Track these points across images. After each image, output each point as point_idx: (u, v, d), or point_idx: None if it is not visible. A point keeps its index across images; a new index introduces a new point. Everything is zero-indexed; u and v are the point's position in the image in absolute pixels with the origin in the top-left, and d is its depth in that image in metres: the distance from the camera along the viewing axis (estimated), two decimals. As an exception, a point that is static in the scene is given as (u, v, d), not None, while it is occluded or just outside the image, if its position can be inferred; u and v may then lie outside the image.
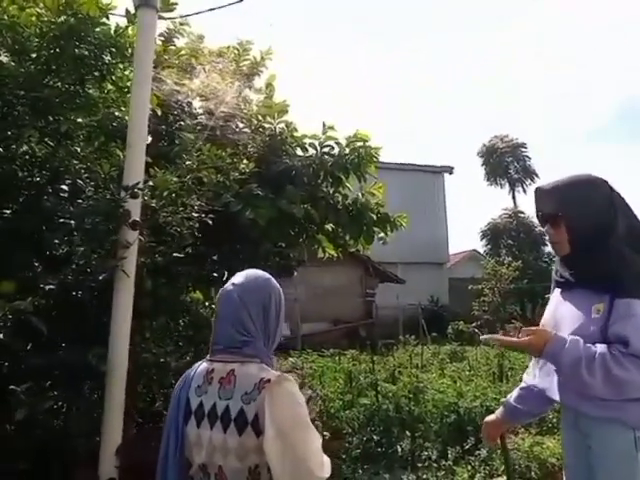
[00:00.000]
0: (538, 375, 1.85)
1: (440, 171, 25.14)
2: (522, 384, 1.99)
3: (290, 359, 9.32)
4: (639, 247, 1.68)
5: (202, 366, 1.44)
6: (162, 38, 5.21)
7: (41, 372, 2.29)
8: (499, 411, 2.04)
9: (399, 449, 4.73)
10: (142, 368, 2.64)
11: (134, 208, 2.65)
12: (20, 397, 2.10)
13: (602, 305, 1.61)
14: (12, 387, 2.08)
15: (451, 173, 25.38)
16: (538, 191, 1.85)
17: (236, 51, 5.59)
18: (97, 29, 2.89)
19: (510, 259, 19.56)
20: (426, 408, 5.13)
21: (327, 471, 1.33)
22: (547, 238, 1.83)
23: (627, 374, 1.50)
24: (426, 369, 8.39)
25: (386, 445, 4.84)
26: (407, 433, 4.92)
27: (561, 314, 1.76)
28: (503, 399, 2.10)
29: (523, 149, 27.97)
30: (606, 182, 1.77)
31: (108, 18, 2.94)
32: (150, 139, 4.61)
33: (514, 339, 1.70)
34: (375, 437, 4.95)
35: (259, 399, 1.29)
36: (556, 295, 1.86)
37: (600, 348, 1.55)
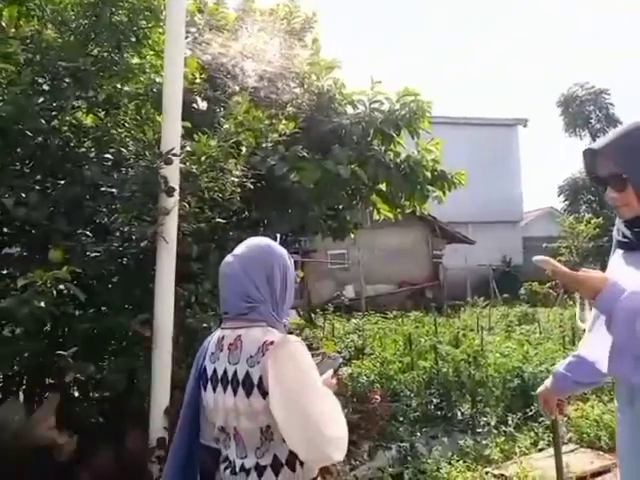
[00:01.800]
0: (592, 343, 1.66)
1: (514, 124, 23.70)
2: (575, 352, 1.82)
3: (353, 320, 9.39)
4: None
5: (216, 334, 1.47)
6: (214, 0, 5.15)
7: (88, 337, 2.38)
8: (548, 380, 1.87)
9: (459, 413, 4.62)
10: (187, 332, 2.69)
11: (172, 174, 2.65)
12: (68, 361, 2.20)
13: None
14: (59, 352, 2.17)
15: (525, 126, 23.89)
16: (589, 152, 1.59)
17: (287, 9, 5.42)
18: (130, -7, 2.84)
19: (590, 216, 18.27)
20: (487, 372, 4.95)
21: (341, 432, 1.33)
22: (609, 201, 1.58)
23: None
24: (493, 332, 8.11)
25: (445, 409, 4.74)
26: (467, 397, 4.79)
27: (622, 278, 1.54)
28: (555, 365, 1.92)
29: (606, 96, 25.62)
30: None
31: (140, -19, 2.88)
32: (206, 105, 4.64)
33: (568, 270, 1.49)
34: (434, 400, 4.86)
35: (262, 361, 1.31)
36: (617, 256, 1.65)
37: None
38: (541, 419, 4.25)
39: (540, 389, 1.91)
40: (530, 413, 4.44)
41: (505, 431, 4.20)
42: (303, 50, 4.97)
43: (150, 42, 3.09)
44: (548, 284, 14.43)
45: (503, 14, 47.55)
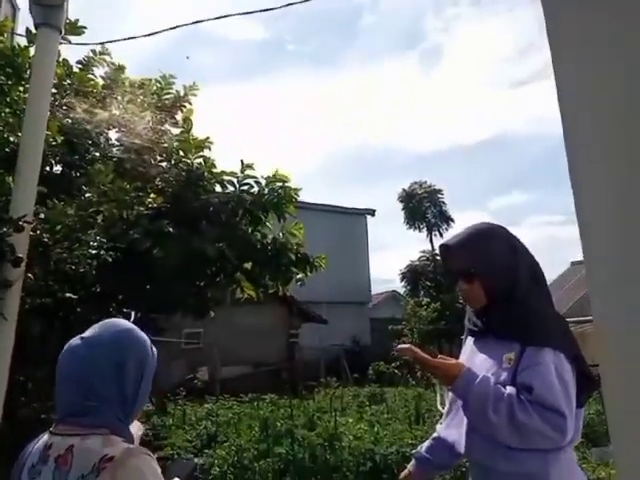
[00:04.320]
0: (449, 426, 1.78)
1: (362, 213, 25.81)
2: (434, 434, 1.92)
3: (206, 405, 8.87)
4: (541, 290, 1.70)
5: (42, 439, 1.19)
6: (80, 66, 4.98)
7: None
8: (411, 464, 1.94)
9: (315, 501, 4.51)
10: (19, 425, 2.30)
11: (20, 243, 2.37)
12: None
13: (513, 354, 1.59)
14: None
15: (373, 215, 26.15)
16: (444, 248, 1.81)
17: (158, 84, 5.44)
18: (-10, 46, 2.65)
19: (429, 300, 20.15)
20: (342, 456, 4.97)
21: None
22: (460, 293, 1.80)
23: (529, 420, 1.47)
24: (345, 413, 8.24)
25: (301, 498, 4.61)
26: (323, 483, 4.72)
27: (474, 363, 1.72)
28: (414, 450, 2.00)
29: (440, 195, 29.52)
30: (505, 229, 1.78)
31: (3, 35, 2.71)
32: (60, 169, 4.32)
33: (428, 357, 1.65)
34: (290, 489, 4.71)
35: None
36: (469, 343, 1.83)
37: (509, 389, 1.53)
38: (393, 502, 4.33)
39: (403, 474, 1.96)
40: (383, 496, 4.51)
41: (360, 517, 4.19)
42: (173, 126, 4.98)
43: (8, 99, 2.86)
44: (393, 364, 15.29)
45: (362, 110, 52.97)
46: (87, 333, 1.23)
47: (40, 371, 2.60)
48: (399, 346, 1.73)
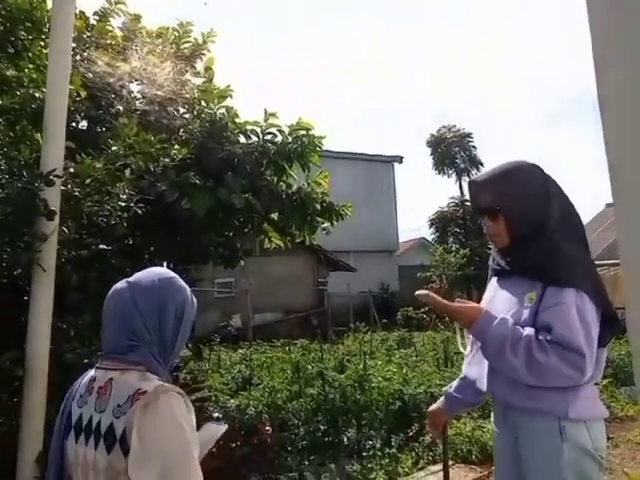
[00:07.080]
0: (470, 364, 1.83)
1: (390, 161, 25.38)
2: (462, 374, 1.98)
3: (240, 350, 9.24)
4: (573, 233, 1.67)
5: (89, 374, 1.29)
6: (96, 17, 4.92)
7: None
8: (440, 401, 2.02)
9: (345, 439, 4.72)
10: (64, 369, 2.45)
11: (53, 197, 2.45)
12: None
13: (535, 294, 1.59)
14: None
15: (401, 162, 25.69)
16: (473, 184, 1.78)
17: (176, 33, 5.34)
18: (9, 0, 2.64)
19: (457, 247, 20.04)
20: (372, 396, 5.15)
21: None
22: (484, 230, 1.78)
23: (547, 360, 1.48)
24: (374, 356, 8.46)
25: (332, 435, 4.82)
26: (353, 422, 4.92)
27: (497, 302, 1.73)
28: (445, 388, 2.08)
29: (469, 139, 28.65)
30: (539, 168, 1.72)
31: (21, -11, 2.69)
32: (86, 124, 4.36)
33: (447, 302, 1.69)
34: (321, 427, 4.92)
35: (129, 412, 1.14)
36: (493, 283, 1.84)
37: (528, 330, 1.54)
38: (422, 439, 4.50)
39: (432, 407, 2.04)
40: (411, 433, 4.68)
41: (389, 453, 4.37)
42: (194, 76, 4.93)
43: (30, 55, 2.87)
44: (422, 310, 15.45)
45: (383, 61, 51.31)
46: (132, 278, 1.29)
47: (81, 319, 2.73)
48: (417, 292, 1.75)
